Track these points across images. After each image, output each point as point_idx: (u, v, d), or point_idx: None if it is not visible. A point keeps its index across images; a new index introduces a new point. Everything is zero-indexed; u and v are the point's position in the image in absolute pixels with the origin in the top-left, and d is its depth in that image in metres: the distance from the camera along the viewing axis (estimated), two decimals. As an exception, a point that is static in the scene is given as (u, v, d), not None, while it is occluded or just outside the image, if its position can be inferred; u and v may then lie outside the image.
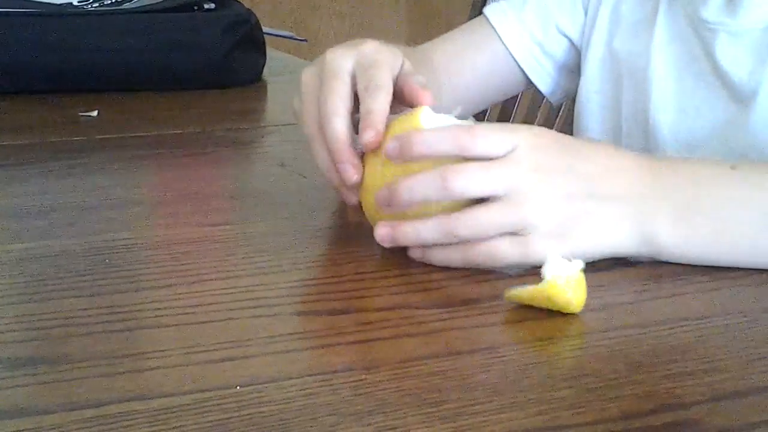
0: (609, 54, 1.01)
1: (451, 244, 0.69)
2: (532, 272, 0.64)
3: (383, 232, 0.70)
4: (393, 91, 0.74)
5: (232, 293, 0.67)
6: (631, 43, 0.98)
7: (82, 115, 1.20)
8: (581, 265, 0.62)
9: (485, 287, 0.68)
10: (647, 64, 0.96)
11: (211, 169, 1.02)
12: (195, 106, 1.28)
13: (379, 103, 0.72)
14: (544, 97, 1.13)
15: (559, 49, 1.07)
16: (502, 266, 0.68)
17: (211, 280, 0.69)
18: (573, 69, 1.08)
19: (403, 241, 0.70)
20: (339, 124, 0.73)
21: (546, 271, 0.62)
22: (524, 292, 0.63)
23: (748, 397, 0.53)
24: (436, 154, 0.68)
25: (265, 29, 1.44)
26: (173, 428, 0.49)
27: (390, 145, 0.69)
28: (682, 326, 0.62)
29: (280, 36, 1.68)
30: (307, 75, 0.78)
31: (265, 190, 0.91)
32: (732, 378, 0.55)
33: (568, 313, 0.62)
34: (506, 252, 0.68)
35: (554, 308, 0.62)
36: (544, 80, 1.08)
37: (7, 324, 0.62)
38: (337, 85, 0.74)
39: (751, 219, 0.68)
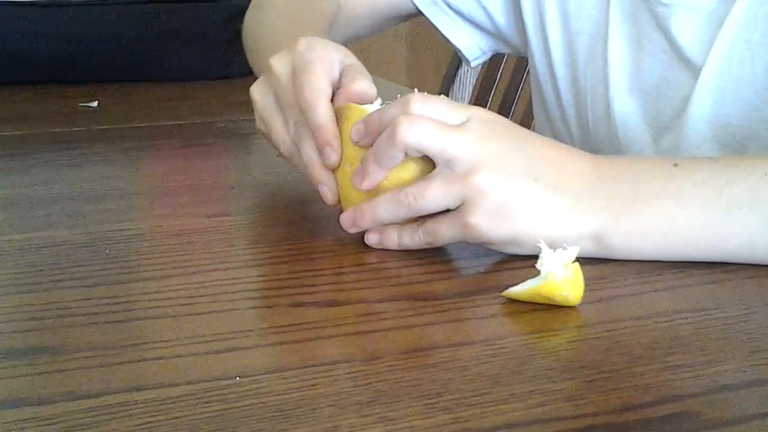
0: (567, 38, 1.00)
1: (402, 226, 0.70)
2: (529, 265, 0.64)
3: (345, 217, 0.71)
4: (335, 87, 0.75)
5: (231, 284, 0.67)
6: (586, 25, 0.98)
7: (82, 106, 1.20)
8: (576, 251, 0.62)
9: (485, 280, 0.68)
10: (605, 46, 0.95)
11: (210, 160, 1.02)
12: (195, 97, 1.28)
13: (321, 116, 0.72)
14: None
15: (467, 10, 1.06)
16: (445, 242, 0.69)
17: (211, 270, 0.69)
18: (488, 31, 1.08)
19: (362, 221, 0.71)
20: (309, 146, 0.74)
21: (541, 265, 0.62)
22: (521, 290, 0.63)
23: (746, 389, 0.53)
24: (388, 122, 0.68)
25: (265, 20, 1.44)
26: (173, 418, 0.49)
27: (354, 130, 0.70)
28: (680, 318, 0.62)
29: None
30: (257, 93, 0.79)
31: (264, 181, 0.91)
32: (730, 370, 0.55)
33: (566, 306, 0.62)
34: (446, 227, 0.69)
35: (553, 303, 0.62)
36: (454, 34, 1.08)
37: (7, 314, 0.62)
38: (289, 96, 0.75)
39: (699, 215, 0.67)
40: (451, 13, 1.07)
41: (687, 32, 0.89)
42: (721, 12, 0.86)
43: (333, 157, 0.72)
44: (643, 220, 0.68)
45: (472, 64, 1.14)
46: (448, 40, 1.09)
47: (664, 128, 0.92)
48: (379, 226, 0.71)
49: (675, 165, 0.69)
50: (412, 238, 0.70)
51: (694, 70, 0.88)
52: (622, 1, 0.94)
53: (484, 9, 1.06)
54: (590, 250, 0.68)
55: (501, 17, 1.06)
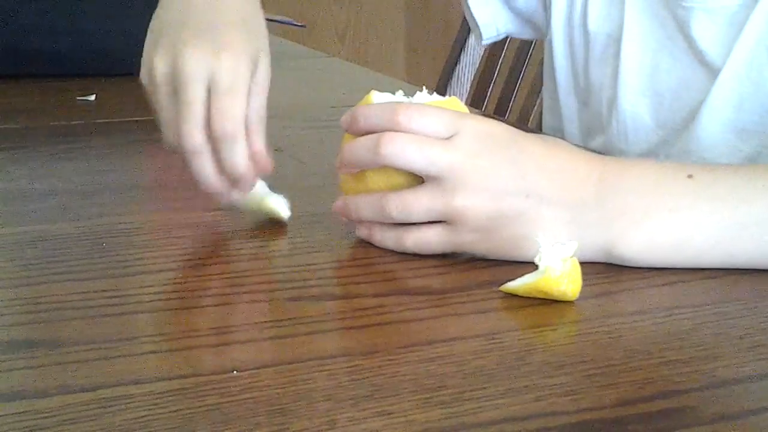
0: (585, 38, 1.00)
1: (389, 226, 0.69)
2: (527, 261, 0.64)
3: (337, 205, 0.71)
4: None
5: (228, 278, 0.67)
6: (605, 22, 0.97)
7: (80, 100, 1.19)
8: (575, 246, 0.62)
9: (483, 274, 0.68)
10: (619, 46, 0.94)
11: (208, 154, 1.02)
12: (193, 91, 1.28)
13: (241, 157, 0.71)
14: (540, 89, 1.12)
15: None
16: (431, 253, 0.68)
17: (208, 264, 0.69)
18: (516, 8, 1.07)
19: (347, 214, 0.70)
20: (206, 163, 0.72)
21: (539, 260, 0.62)
22: (519, 285, 0.63)
23: (743, 384, 0.53)
24: (373, 126, 0.68)
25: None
26: (169, 412, 0.49)
27: (343, 117, 0.70)
28: (678, 313, 0.62)
29: (279, 22, 1.67)
30: (161, 70, 0.74)
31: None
32: (728, 365, 0.55)
33: (564, 301, 0.62)
34: (433, 240, 0.67)
35: (550, 298, 0.62)
36: (480, 7, 1.07)
37: (4, 307, 0.62)
38: (197, 104, 0.71)
39: (713, 232, 0.66)
40: None
41: (707, 35, 0.88)
42: (742, 16, 0.86)
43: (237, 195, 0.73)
44: (656, 235, 0.66)
45: (483, 42, 1.13)
46: (470, 12, 1.08)
47: (676, 130, 0.92)
48: (368, 223, 0.70)
49: (689, 176, 0.67)
50: (397, 244, 0.69)
51: (713, 73, 0.88)
52: (643, 1, 0.93)
53: None
54: (598, 258, 0.67)
55: None
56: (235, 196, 0.74)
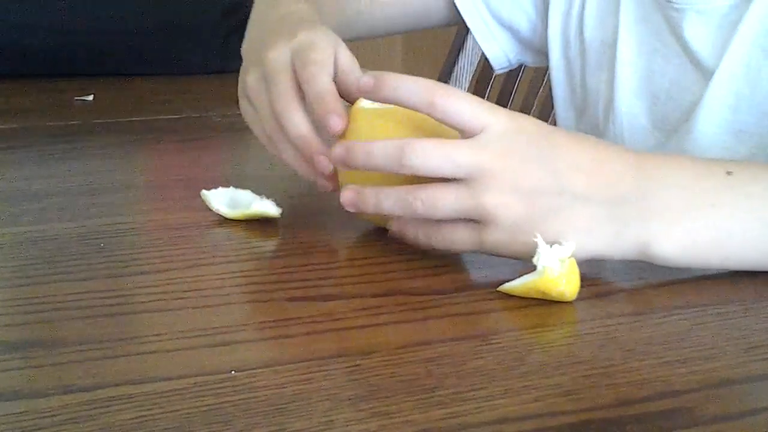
0: (581, 47, 1.00)
1: (421, 222, 0.67)
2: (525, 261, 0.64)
3: (348, 196, 0.67)
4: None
5: (227, 278, 0.67)
6: (599, 29, 0.98)
7: (78, 100, 1.20)
8: (572, 248, 0.62)
9: (481, 274, 0.68)
10: (614, 50, 0.95)
11: (207, 154, 1.02)
12: (192, 91, 1.28)
13: (327, 84, 0.72)
14: (543, 81, 1.12)
15: (507, 13, 1.05)
16: (460, 252, 0.67)
17: (206, 264, 0.69)
18: (522, 37, 1.07)
19: (364, 207, 0.67)
20: (298, 118, 0.73)
21: (537, 261, 0.62)
22: (517, 285, 0.63)
23: (742, 385, 0.53)
24: (403, 101, 0.66)
25: (262, 15, 1.44)
26: (167, 412, 0.49)
27: (364, 80, 0.67)
28: (677, 314, 0.62)
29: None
30: (252, 78, 0.78)
31: (261, 175, 0.91)
32: (726, 366, 0.55)
33: (562, 301, 0.62)
34: (462, 239, 0.66)
35: (548, 299, 0.62)
36: (486, 40, 1.07)
37: (1, 307, 0.62)
38: (285, 80, 0.74)
39: (753, 229, 0.65)
40: (488, 16, 1.06)
41: (699, 37, 0.88)
42: (734, 17, 0.86)
43: (339, 125, 0.70)
44: (697, 231, 0.65)
45: (497, 71, 1.13)
46: (477, 43, 1.09)
47: (672, 131, 0.92)
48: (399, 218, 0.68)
49: (728, 173, 0.66)
50: (426, 240, 0.67)
51: (706, 74, 0.88)
52: (636, 6, 0.93)
53: (524, 11, 1.05)
54: (627, 258, 0.65)
55: (537, 20, 1.05)
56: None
